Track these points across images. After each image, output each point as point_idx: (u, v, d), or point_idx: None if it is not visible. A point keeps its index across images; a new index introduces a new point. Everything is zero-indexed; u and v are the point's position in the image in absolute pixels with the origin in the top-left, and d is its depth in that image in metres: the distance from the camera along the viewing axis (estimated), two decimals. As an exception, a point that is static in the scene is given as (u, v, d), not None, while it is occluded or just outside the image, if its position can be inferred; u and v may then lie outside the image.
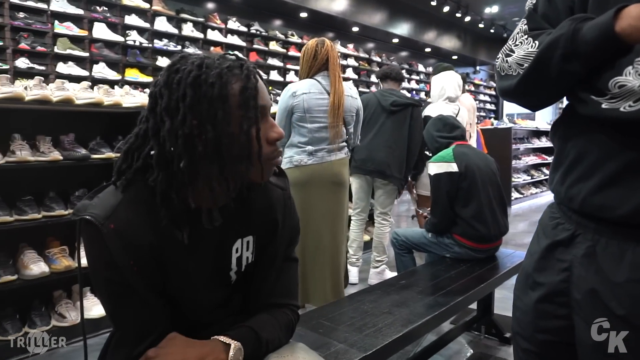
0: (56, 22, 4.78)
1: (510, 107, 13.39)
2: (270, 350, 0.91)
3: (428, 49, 10.42)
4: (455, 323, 2.45)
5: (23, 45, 4.50)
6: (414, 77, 10.05)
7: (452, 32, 10.50)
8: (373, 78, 8.82)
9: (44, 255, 2.34)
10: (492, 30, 10.85)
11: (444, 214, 2.33)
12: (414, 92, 9.79)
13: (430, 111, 3.30)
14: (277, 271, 0.99)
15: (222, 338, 0.84)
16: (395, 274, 2.97)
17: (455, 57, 11.39)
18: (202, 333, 0.89)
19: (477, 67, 12.84)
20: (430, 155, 2.55)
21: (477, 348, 2.28)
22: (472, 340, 2.37)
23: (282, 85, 6.46)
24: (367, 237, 4.04)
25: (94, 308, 2.30)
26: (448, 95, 3.36)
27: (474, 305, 2.46)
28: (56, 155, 2.31)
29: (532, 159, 7.81)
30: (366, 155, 3.15)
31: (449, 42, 10.48)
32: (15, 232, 2.23)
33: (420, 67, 10.32)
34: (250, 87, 0.80)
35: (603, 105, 0.71)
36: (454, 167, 2.29)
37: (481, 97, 12.44)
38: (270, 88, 6.56)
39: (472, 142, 3.80)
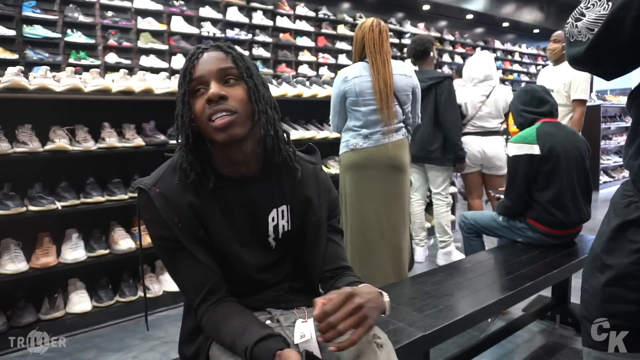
0: (139, 18, 5.15)
1: (601, 83, 12.22)
2: None
3: (506, 24, 9.77)
4: (527, 310, 2.35)
5: (111, 41, 4.90)
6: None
7: (533, 3, 9.74)
8: (445, 57, 8.48)
9: (130, 232, 2.58)
10: (580, -1, 9.91)
11: (519, 197, 2.19)
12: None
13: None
14: (327, 241, 1.09)
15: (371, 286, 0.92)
16: (464, 256, 2.90)
17: (536, 31, 10.57)
18: (262, 294, 1.05)
19: (563, 41, 11.83)
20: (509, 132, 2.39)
21: (551, 337, 2.17)
22: (546, 329, 2.26)
23: (350, 68, 6.41)
24: (434, 221, 3.97)
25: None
26: (473, 77, 3.35)
27: (548, 293, 2.33)
28: (139, 141, 2.52)
29: (625, 139, 7.11)
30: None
31: (529, 15, 9.74)
32: (107, 211, 2.48)
33: (497, 44, 9.73)
34: (186, 66, 0.95)
35: None
36: (535, 150, 2.11)
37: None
38: (338, 72, 6.56)
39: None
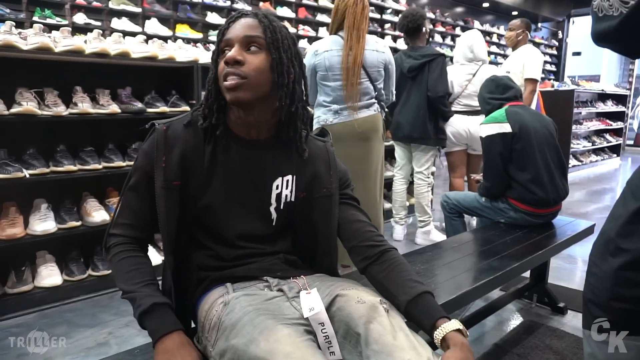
0: (110, -23, 4.83)
1: (572, 69, 12.50)
2: None
3: (486, 4, 9.76)
4: (506, 290, 2.39)
5: (80, 0, 4.59)
6: (469, 35, 9.49)
7: (514, -15, 9.76)
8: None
9: (104, 204, 2.46)
10: (558, -17, 9.99)
11: (498, 177, 2.23)
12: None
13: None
14: (345, 205, 1.11)
15: (443, 329, 0.88)
16: (444, 236, 2.93)
17: (515, 13, 10.62)
18: (256, 263, 1.04)
19: (539, 24, 11.95)
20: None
21: (528, 316, 2.22)
22: (523, 308, 2.31)
23: (331, 42, 6.27)
24: (414, 200, 4.01)
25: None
26: (457, 59, 3.43)
27: (526, 274, 2.38)
28: (114, 108, 2.38)
29: (595, 125, 7.32)
30: (397, 123, 3.21)
31: (509, -3, 9.76)
32: (79, 181, 2.35)
33: (477, 24, 9.73)
34: (222, 28, 1.01)
35: None
36: (506, 128, 2.17)
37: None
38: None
39: (534, 99, 3.68)
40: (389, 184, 3.72)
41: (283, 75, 0.99)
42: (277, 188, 1.06)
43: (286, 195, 1.07)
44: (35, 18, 4.30)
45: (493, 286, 1.60)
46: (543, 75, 11.42)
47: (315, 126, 2.35)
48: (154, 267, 1.03)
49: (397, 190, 3.45)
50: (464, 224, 2.54)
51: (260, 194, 1.06)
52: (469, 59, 3.35)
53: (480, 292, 1.55)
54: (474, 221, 3.26)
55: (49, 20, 4.32)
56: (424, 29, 3.13)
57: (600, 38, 0.76)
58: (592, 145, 7.29)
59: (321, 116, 2.33)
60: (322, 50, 2.28)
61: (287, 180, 1.07)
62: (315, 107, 2.38)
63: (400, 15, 3.23)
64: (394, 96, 2.57)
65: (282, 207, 1.07)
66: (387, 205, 3.80)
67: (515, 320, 2.20)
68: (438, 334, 0.88)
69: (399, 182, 3.44)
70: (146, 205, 1.00)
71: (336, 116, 2.30)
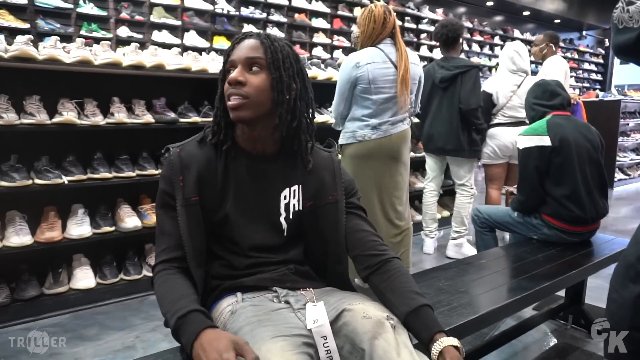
0: (152, -9, 5.04)
1: (620, 78, 11.93)
2: None
3: (526, 12, 9.51)
4: (539, 309, 2.29)
5: (124, 14, 4.82)
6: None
7: (557, -8, 9.47)
8: (464, 46, 8.28)
9: (137, 210, 2.54)
10: (605, -10, 9.61)
11: (532, 191, 2.14)
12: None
13: (485, 86, 3.31)
14: (350, 215, 1.12)
15: (441, 343, 0.89)
16: (475, 251, 2.85)
17: (558, 21, 10.30)
18: (266, 273, 1.06)
19: (584, 32, 11.52)
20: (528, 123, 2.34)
21: (562, 338, 2.11)
22: (557, 330, 2.20)
23: (365, 52, 6.28)
24: (446, 213, 3.92)
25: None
26: (501, 69, 3.38)
27: (561, 293, 2.27)
28: (149, 117, 2.46)
29: (644, 137, 6.93)
30: (428, 135, 3.17)
31: (551, 4, 9.46)
32: (114, 188, 2.44)
33: (517, 33, 9.49)
34: (228, 49, 1.06)
35: None
36: (546, 141, 2.07)
37: (586, 65, 11.20)
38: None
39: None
40: (418, 196, 3.67)
41: (283, 92, 1.03)
42: (285, 198, 1.10)
43: (294, 205, 1.11)
44: (82, 32, 4.54)
45: (518, 307, 1.53)
46: (588, 85, 10.98)
47: (348, 140, 2.29)
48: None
49: (427, 203, 3.38)
50: (495, 239, 2.45)
51: (269, 205, 1.09)
52: (513, 70, 3.30)
53: (504, 313, 1.49)
54: (507, 235, 3.15)
55: (94, 34, 4.56)
56: (460, 39, 3.11)
57: (621, 51, 0.73)
58: (641, 158, 6.91)
59: (358, 131, 2.26)
60: (364, 62, 2.20)
61: (294, 190, 1.11)
62: (348, 120, 2.32)
63: (437, 24, 3.17)
64: (419, 108, 2.54)
65: (291, 216, 1.10)
66: (418, 217, 3.73)
67: (549, 342, 2.09)
68: (435, 348, 0.89)
69: (430, 194, 3.37)
70: (176, 224, 1.02)
71: (374, 131, 2.24)
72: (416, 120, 3.49)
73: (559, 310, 2.21)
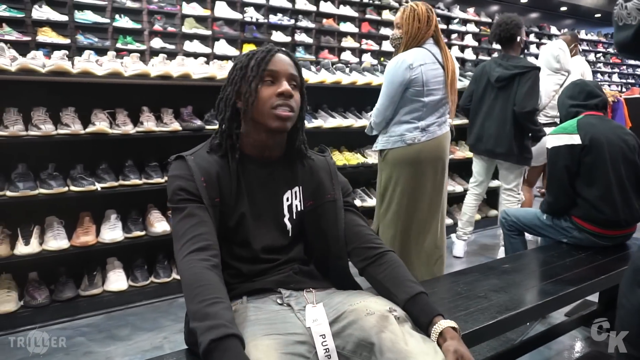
0: (184, 3, 5.21)
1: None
2: None
3: (564, 8, 9.17)
4: (571, 315, 2.21)
5: (157, 27, 5.00)
6: (545, 41, 8.97)
7: (596, -14, 9.10)
8: (495, 45, 8.08)
9: (166, 215, 2.63)
10: (649, -19, 9.12)
11: (562, 192, 2.06)
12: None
13: None
14: (346, 212, 1.17)
15: (440, 325, 0.95)
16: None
17: (598, 16, 9.88)
18: (272, 275, 1.10)
19: (627, 26, 11.00)
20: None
21: (595, 346, 2.02)
22: (590, 337, 2.11)
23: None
24: (478, 216, 3.83)
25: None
26: (543, 69, 3.25)
27: (595, 298, 2.18)
28: (176, 125, 2.55)
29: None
30: (477, 135, 3.05)
31: (590, -1, 9.11)
32: (144, 194, 2.54)
33: (554, 30, 9.17)
34: (262, 56, 1.08)
35: None
36: (575, 140, 2.00)
37: (630, 61, 10.67)
38: (382, 59, 6.41)
39: None
40: (450, 199, 3.61)
41: (304, 110, 1.16)
42: (287, 200, 1.16)
43: (296, 205, 1.17)
44: (118, 44, 4.75)
45: (539, 313, 1.50)
46: (632, 81, 10.46)
47: (395, 144, 2.21)
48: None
49: (468, 204, 3.27)
50: (524, 243, 2.38)
51: (275, 207, 1.15)
52: (556, 69, 3.26)
53: (522, 320, 1.45)
54: (539, 239, 3.05)
55: (129, 46, 4.75)
56: (518, 38, 2.96)
57: (622, 47, 0.71)
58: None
59: (407, 134, 2.18)
60: (417, 64, 2.11)
61: (295, 192, 1.17)
62: (393, 124, 2.22)
63: (493, 23, 3.09)
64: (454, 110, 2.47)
65: (294, 217, 1.16)
66: (449, 221, 3.67)
67: (580, 350, 2.02)
68: (435, 329, 0.95)
69: (473, 196, 3.26)
70: (205, 222, 1.00)
71: (424, 134, 2.17)
72: (464, 120, 3.47)
73: (592, 317, 2.12)
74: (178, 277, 2.56)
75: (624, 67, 10.59)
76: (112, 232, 2.41)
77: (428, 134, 2.18)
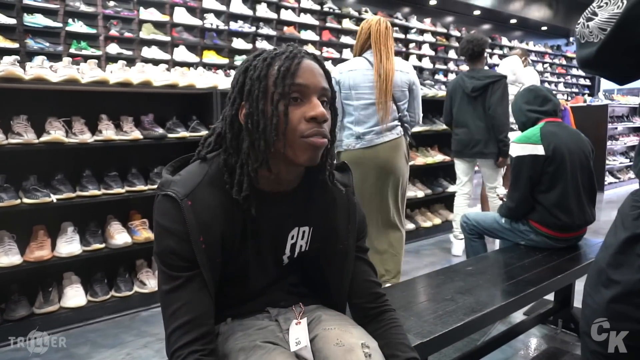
0: (141, 8, 5.08)
1: (609, 82, 12.07)
2: None
3: (513, 20, 9.65)
4: (529, 314, 2.30)
5: (113, 32, 4.85)
6: (496, 51, 9.39)
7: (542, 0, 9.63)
8: (451, 54, 8.38)
9: (127, 227, 2.54)
10: (589, -4, 9.76)
11: (523, 199, 2.14)
12: (495, 67, 9.16)
13: None
14: (356, 260, 1.03)
15: None
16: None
17: (544, 28, 10.46)
18: (261, 298, 1.00)
19: (570, 39, 11.69)
20: (516, 130, 2.37)
21: (552, 343, 2.12)
22: (547, 334, 2.22)
23: (355, 63, 6.34)
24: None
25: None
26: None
27: (551, 297, 2.29)
28: (137, 134, 2.48)
29: (632, 140, 7.01)
30: (466, 141, 3.32)
31: (537, 12, 9.62)
32: (103, 205, 2.45)
33: (504, 41, 9.62)
34: (287, 66, 0.83)
35: None
36: (539, 150, 2.06)
37: (574, 71, 11.34)
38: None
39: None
40: (411, 204, 3.70)
41: (334, 132, 0.93)
42: (292, 238, 0.98)
43: (301, 246, 1.00)
44: (71, 50, 4.57)
45: (504, 313, 1.55)
46: (576, 90, 11.12)
47: (338, 149, 2.40)
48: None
49: (459, 205, 3.49)
50: (484, 246, 2.47)
51: (276, 245, 0.98)
52: (512, 81, 3.54)
53: (490, 320, 1.50)
54: (497, 242, 3.18)
55: (84, 52, 4.58)
56: (485, 53, 3.32)
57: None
58: (630, 161, 6.97)
59: (344, 140, 2.36)
60: (346, 69, 2.34)
61: (304, 232, 0.99)
62: (340, 130, 2.41)
63: (463, 40, 3.39)
64: (420, 118, 2.55)
65: (295, 255, 1.01)
66: (410, 226, 3.76)
67: (539, 347, 2.11)
68: None
69: (462, 197, 3.49)
70: (201, 291, 0.85)
71: (358, 141, 2.32)
72: (425, 127, 3.78)
73: (548, 315, 2.23)
74: (140, 290, 2.49)
75: (569, 77, 11.23)
76: (69, 245, 2.31)
77: (363, 142, 2.32)
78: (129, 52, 4.92)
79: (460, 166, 3.49)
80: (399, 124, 2.39)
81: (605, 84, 12.08)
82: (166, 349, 0.84)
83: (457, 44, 8.56)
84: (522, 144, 2.12)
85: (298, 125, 0.83)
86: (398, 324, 1.01)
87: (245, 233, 0.91)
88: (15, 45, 4.26)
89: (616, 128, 6.78)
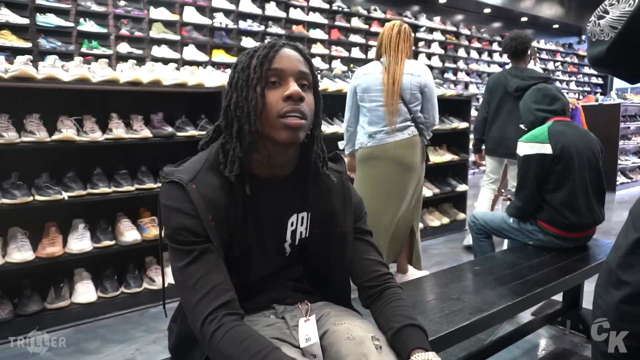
0: (151, 8, 5.13)
1: (622, 82, 11.91)
2: None
3: (524, 19, 9.56)
4: (537, 315, 2.29)
5: (123, 31, 4.90)
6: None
7: (554, -3, 9.53)
8: (461, 52, 8.33)
9: (136, 224, 2.57)
10: (602, -6, 9.62)
11: (530, 198, 2.13)
12: (506, 67, 9.09)
13: None
14: (357, 240, 1.06)
15: (418, 356, 0.86)
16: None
17: (556, 26, 10.34)
18: (266, 294, 1.03)
19: (583, 37, 11.56)
20: (525, 129, 2.33)
21: (560, 343, 2.11)
22: (555, 335, 2.20)
23: (364, 62, 6.35)
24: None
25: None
26: None
27: (559, 297, 2.27)
28: (146, 132, 2.50)
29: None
30: (497, 140, 3.33)
31: (549, 10, 9.52)
32: (113, 202, 2.48)
33: (515, 39, 9.52)
34: (265, 54, 0.90)
35: None
36: (547, 149, 2.05)
37: (586, 69, 11.22)
38: (351, 65, 6.49)
39: None
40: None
41: (319, 115, 0.98)
42: (292, 225, 1.02)
43: (301, 232, 1.04)
44: (83, 49, 4.62)
45: (511, 313, 1.55)
46: (588, 89, 10.98)
47: (356, 147, 2.54)
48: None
49: (485, 197, 3.52)
50: (492, 245, 2.46)
51: (277, 232, 1.01)
52: None
53: (496, 320, 1.50)
54: (506, 242, 3.17)
55: (95, 51, 4.64)
56: (529, 51, 3.29)
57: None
58: (643, 160, 6.89)
59: (359, 138, 2.51)
60: (362, 73, 2.48)
61: (302, 217, 1.03)
62: (358, 131, 2.55)
63: (506, 37, 3.35)
64: (436, 120, 2.57)
65: (296, 243, 1.04)
66: (422, 225, 3.75)
67: (546, 347, 2.10)
68: None
69: (490, 191, 3.53)
70: (216, 262, 0.88)
71: (370, 139, 2.44)
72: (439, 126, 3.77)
73: (556, 315, 2.22)
74: (149, 286, 2.52)
75: (581, 75, 11.11)
76: (80, 242, 2.34)
77: (374, 141, 2.44)
78: (139, 51, 4.97)
79: (491, 163, 3.51)
80: (412, 124, 2.45)
81: (618, 82, 11.92)
82: (191, 322, 0.86)
83: (466, 43, 8.52)
84: (529, 143, 2.11)
85: (275, 106, 0.89)
86: (398, 297, 1.00)
87: (246, 217, 0.96)
88: (28, 44, 4.32)
89: (629, 127, 6.69)
